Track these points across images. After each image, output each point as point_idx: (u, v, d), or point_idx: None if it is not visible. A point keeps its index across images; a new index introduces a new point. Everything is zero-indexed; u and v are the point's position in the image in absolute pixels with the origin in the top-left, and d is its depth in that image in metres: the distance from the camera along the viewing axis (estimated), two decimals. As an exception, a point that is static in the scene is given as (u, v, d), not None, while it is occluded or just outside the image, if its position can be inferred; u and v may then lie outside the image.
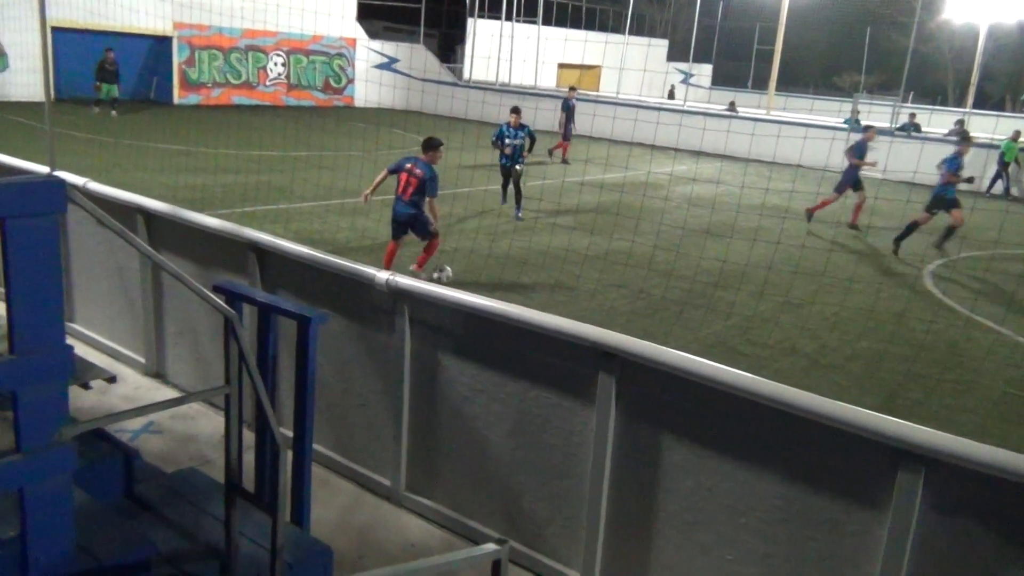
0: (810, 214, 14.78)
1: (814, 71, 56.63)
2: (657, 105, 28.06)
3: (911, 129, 25.18)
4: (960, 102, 41.46)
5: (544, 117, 21.89)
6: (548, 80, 38.33)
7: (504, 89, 30.72)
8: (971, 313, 9.78)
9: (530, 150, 14.18)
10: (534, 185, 14.46)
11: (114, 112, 22.00)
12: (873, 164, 14.83)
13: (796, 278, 10.46)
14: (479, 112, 27.65)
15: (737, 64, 48.86)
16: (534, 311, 4.17)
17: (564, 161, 20.72)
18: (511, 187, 13.68)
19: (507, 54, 34.07)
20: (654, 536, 3.91)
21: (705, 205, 15.49)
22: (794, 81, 48.10)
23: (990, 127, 28.86)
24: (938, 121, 28.93)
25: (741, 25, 43.74)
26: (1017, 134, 21.87)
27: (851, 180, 14.68)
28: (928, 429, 3.16)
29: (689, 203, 15.86)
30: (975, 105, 38.05)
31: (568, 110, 21.05)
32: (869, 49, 38.59)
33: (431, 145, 9.01)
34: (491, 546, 2.58)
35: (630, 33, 40.13)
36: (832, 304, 9.66)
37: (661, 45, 46.20)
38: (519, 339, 4.16)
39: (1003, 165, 21.49)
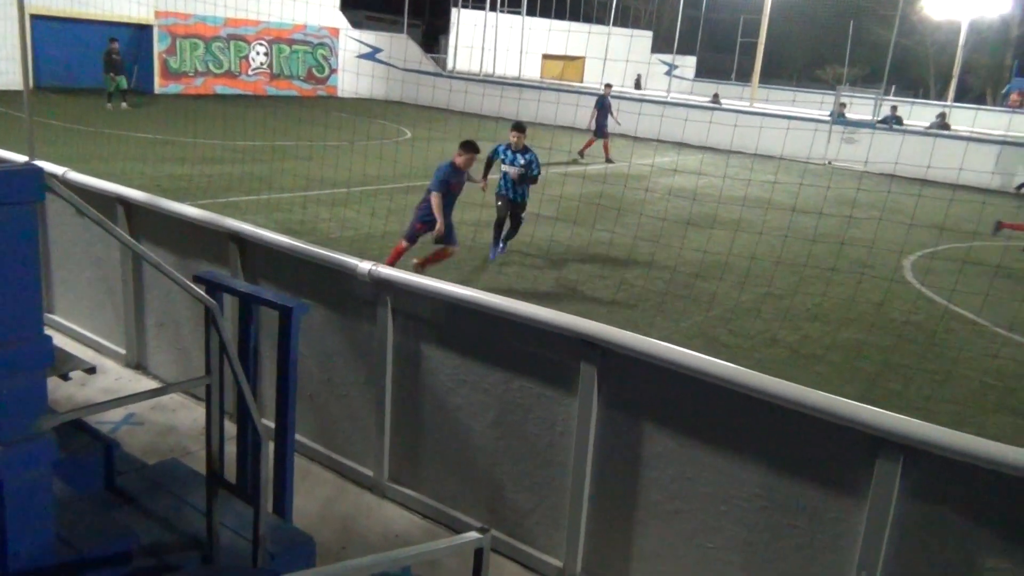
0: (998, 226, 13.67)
1: (798, 64, 56.89)
2: (640, 97, 28.08)
3: (893, 121, 25.35)
4: (941, 95, 41.78)
5: (527, 108, 21.86)
6: (532, 71, 38.29)
7: (488, 80, 30.65)
8: (949, 304, 9.89)
9: (529, 182, 10.29)
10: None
11: (125, 104, 21.76)
12: None
13: (778, 269, 10.53)
14: (462, 102, 27.64)
15: (721, 56, 48.97)
16: (516, 301, 4.18)
17: (608, 160, 20.39)
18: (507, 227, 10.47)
19: (491, 44, 34.00)
20: (636, 524, 3.94)
21: (687, 196, 15.54)
22: (778, 74, 48.29)
23: (971, 120, 29.14)
24: (919, 114, 29.13)
25: (725, 17, 43.82)
26: None
27: None
28: (906, 418, 3.20)
29: (671, 194, 15.91)
30: (956, 98, 38.37)
31: (603, 107, 20.80)
32: (852, 42, 38.79)
33: (460, 145, 8.76)
34: (473, 534, 2.59)
35: (614, 24, 40.11)
36: (813, 295, 9.73)
37: (645, 36, 46.24)
38: (502, 329, 4.17)
39: None
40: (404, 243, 8.82)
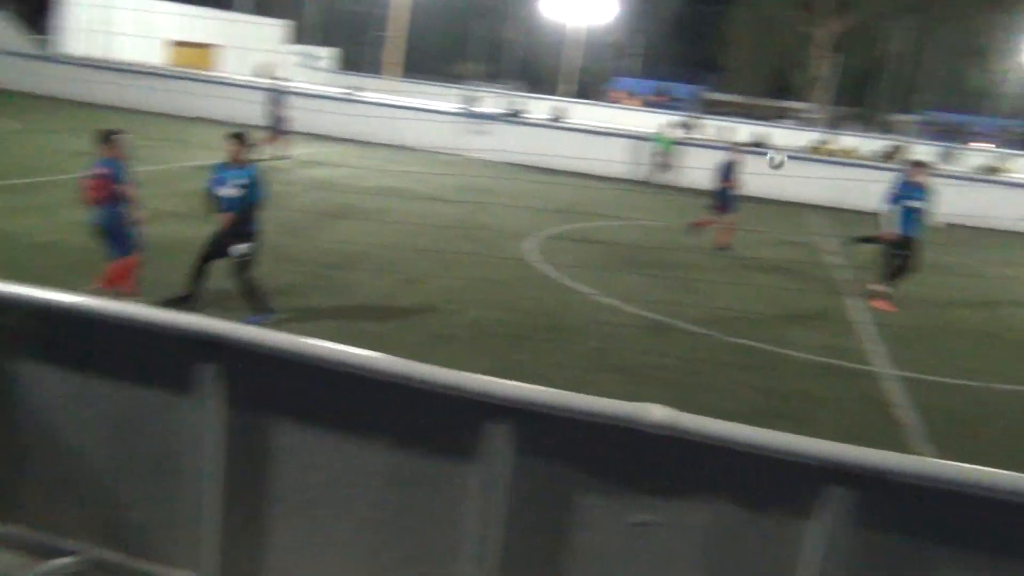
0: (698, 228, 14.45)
1: (437, 59, 59.47)
2: (278, 87, 27.45)
3: (515, 115, 27.57)
4: (559, 91, 46.15)
5: (153, 98, 20.28)
6: (160, 58, 35.70)
7: (104, 66, 27.92)
8: (566, 279, 11.01)
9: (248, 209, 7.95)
10: (150, 171, 13.22)
11: None
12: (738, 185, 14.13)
13: (414, 255, 10.95)
14: (76, 90, 24.93)
15: (364, 49, 49.55)
16: (126, 305, 3.88)
17: (276, 156, 18.65)
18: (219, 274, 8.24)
19: (110, 27, 31.16)
20: (271, 521, 3.87)
21: (327, 188, 15.56)
22: (421, 68, 49.97)
23: (583, 114, 32.63)
24: (540, 107, 32.02)
25: (366, 11, 44.43)
26: (667, 126, 23.83)
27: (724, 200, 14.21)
28: (509, 382, 3.47)
29: (311, 187, 15.81)
30: (572, 94, 42.86)
31: (278, 101, 19.33)
32: (483, 42, 41.59)
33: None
34: (61, 560, 2.37)
35: (252, 13, 38.73)
36: (447, 278, 10.28)
37: (283, 25, 45.25)
38: (112, 336, 3.83)
39: (661, 154, 23.23)
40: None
